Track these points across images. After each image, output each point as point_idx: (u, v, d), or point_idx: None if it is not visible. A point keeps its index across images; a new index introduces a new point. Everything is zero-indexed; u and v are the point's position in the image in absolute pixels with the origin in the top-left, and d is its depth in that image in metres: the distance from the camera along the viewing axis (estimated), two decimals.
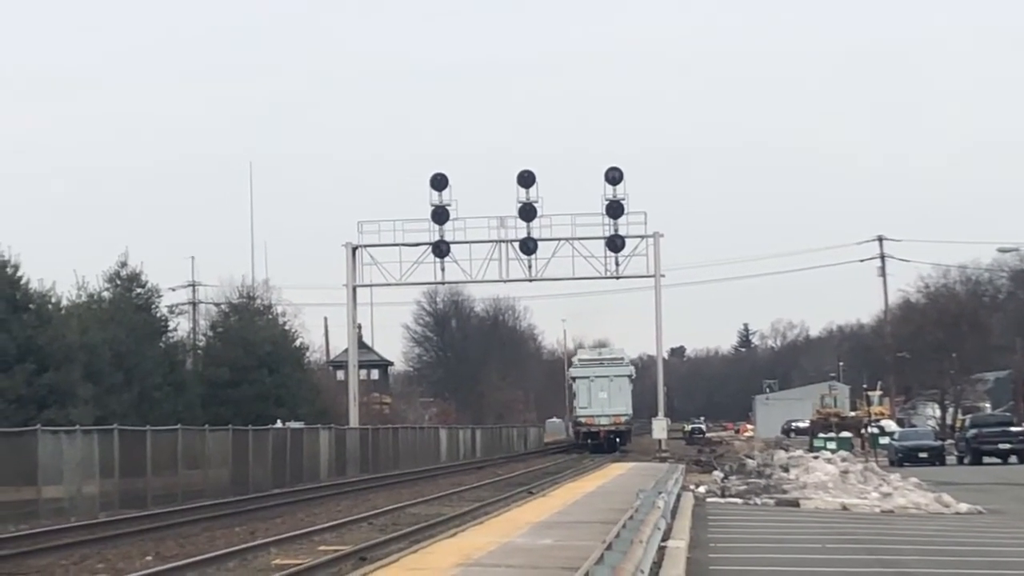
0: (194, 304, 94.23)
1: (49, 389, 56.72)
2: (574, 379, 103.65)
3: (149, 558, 26.33)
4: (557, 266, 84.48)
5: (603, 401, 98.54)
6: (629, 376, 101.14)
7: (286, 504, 42.25)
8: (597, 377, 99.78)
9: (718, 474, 52.02)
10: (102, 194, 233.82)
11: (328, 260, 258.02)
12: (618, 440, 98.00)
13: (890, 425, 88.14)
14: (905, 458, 64.90)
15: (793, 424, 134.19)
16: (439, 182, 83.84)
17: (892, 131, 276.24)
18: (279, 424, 61.06)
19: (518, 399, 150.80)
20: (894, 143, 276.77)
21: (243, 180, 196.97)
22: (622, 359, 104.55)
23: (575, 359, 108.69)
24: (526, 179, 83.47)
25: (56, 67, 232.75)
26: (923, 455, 65.77)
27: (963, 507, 35.04)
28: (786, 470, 47.39)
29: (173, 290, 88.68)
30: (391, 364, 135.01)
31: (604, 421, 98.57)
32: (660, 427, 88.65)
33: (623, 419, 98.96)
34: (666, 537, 23.60)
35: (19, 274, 59.67)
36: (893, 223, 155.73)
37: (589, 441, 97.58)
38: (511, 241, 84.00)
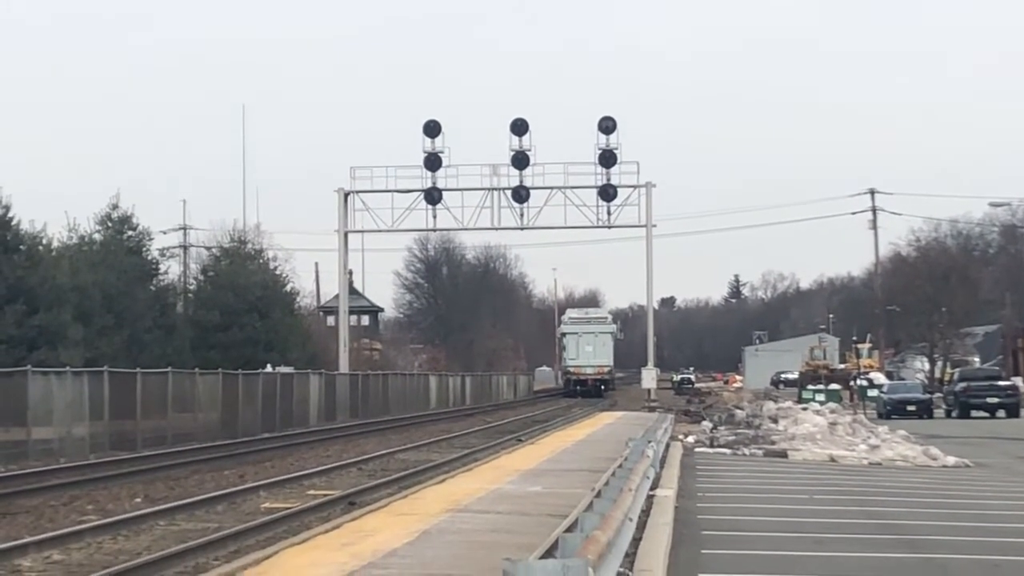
0: (185, 248, 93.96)
1: (39, 330, 56.65)
2: (564, 334, 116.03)
3: (138, 500, 26.38)
4: (549, 215, 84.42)
5: (589, 354, 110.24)
6: (612, 333, 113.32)
7: (276, 448, 42.33)
8: (584, 333, 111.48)
9: (707, 424, 52.10)
10: (94, 135, 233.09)
11: (320, 206, 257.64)
12: (602, 387, 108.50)
13: (879, 378, 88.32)
14: (893, 411, 65.05)
15: (782, 376, 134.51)
16: (432, 129, 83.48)
17: (887, 82, 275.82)
18: (269, 369, 61.08)
19: (508, 347, 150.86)
20: (888, 95, 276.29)
21: (236, 124, 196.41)
22: (606, 318, 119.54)
23: (565, 317, 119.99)
24: (519, 127, 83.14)
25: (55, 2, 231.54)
26: (911, 408, 65.90)
27: (950, 460, 35.14)
28: (775, 421, 47.57)
29: (164, 233, 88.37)
30: (381, 310, 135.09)
31: (590, 371, 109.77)
32: (650, 377, 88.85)
33: (606, 369, 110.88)
34: (655, 486, 23.64)
35: (10, 215, 59.50)
36: (885, 176, 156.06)
37: (578, 387, 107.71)
38: (503, 189, 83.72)
